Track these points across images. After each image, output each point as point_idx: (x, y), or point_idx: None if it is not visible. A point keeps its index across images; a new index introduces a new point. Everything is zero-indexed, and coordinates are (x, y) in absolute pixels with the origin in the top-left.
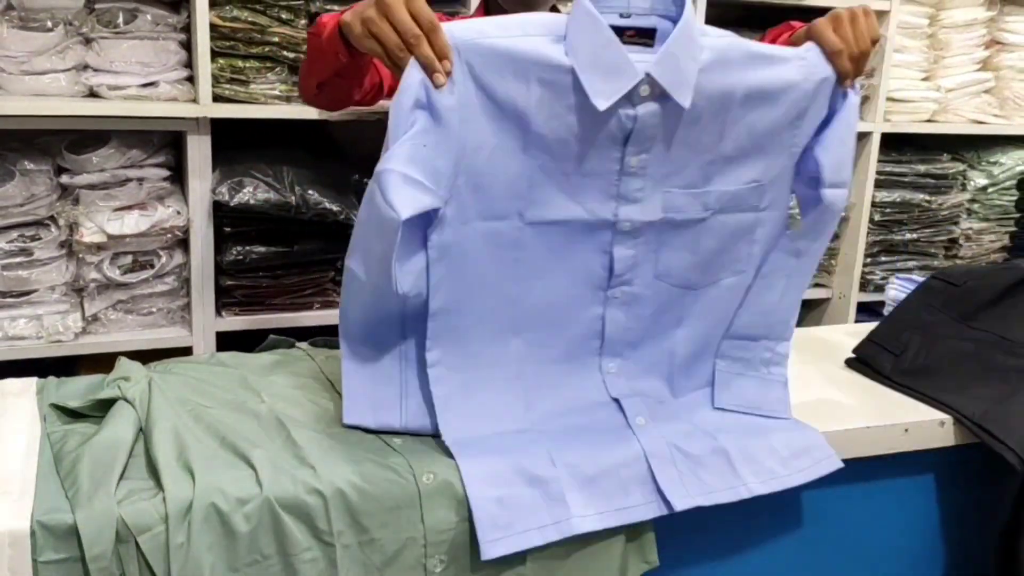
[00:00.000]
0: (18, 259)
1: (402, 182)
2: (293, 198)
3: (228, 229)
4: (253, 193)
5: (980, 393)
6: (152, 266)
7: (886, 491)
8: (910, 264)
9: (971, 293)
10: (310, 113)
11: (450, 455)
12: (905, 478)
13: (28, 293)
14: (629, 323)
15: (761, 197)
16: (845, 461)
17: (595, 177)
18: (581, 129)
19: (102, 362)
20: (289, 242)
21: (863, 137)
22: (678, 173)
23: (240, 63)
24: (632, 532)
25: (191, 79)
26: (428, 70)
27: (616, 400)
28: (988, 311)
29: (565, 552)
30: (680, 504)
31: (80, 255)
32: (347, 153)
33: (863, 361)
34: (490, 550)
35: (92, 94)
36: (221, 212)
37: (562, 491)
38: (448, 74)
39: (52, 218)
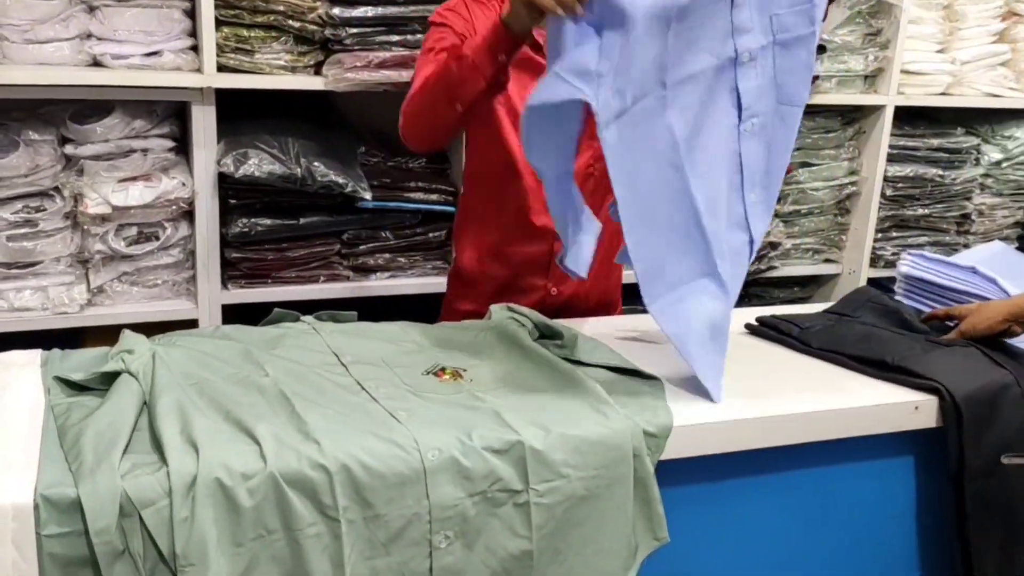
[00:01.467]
0: (23, 230)
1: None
2: (299, 170)
3: (233, 201)
4: (258, 165)
5: (891, 349)
6: (157, 238)
7: (894, 467)
8: (922, 240)
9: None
10: (315, 84)
11: (458, 429)
12: (913, 455)
13: (33, 264)
14: (761, 153)
15: None
16: (852, 439)
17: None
18: None
19: (107, 334)
20: (295, 215)
21: (876, 110)
22: None
23: (245, 32)
24: (642, 508)
25: (195, 48)
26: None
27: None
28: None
29: (575, 529)
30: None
31: (85, 226)
32: (352, 125)
33: (768, 325)
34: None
35: (95, 63)
36: (226, 184)
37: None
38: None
39: (57, 189)
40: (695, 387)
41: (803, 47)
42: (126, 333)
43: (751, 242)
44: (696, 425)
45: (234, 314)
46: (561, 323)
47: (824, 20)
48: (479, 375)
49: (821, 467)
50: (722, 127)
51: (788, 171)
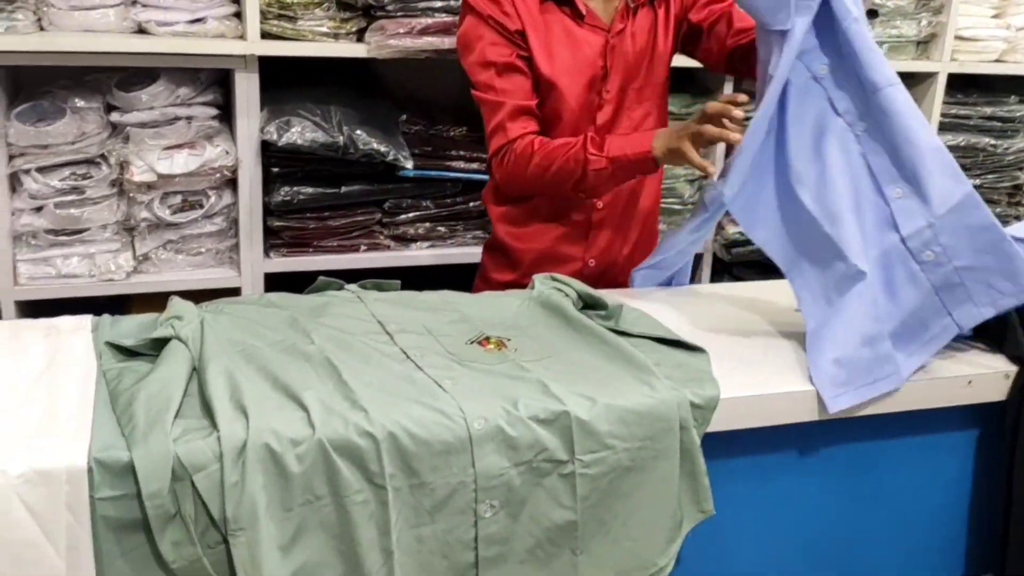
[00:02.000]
0: (70, 197)
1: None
2: (341, 138)
3: (276, 170)
4: (301, 133)
5: None
6: (201, 206)
7: (944, 444)
8: None
9: None
10: (357, 51)
11: (504, 399)
12: (964, 431)
13: (80, 232)
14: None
15: None
16: (906, 413)
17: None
18: None
19: (153, 301)
20: (336, 183)
21: (928, 77)
22: None
23: None
24: (688, 481)
25: (239, 15)
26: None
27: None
28: None
29: (619, 500)
30: (969, 322)
31: (131, 194)
32: (394, 93)
33: None
34: (834, 404)
35: (140, 30)
36: (269, 152)
37: (889, 349)
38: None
39: (103, 156)
40: (741, 359)
41: (858, 31)
42: (174, 300)
43: (903, 240)
44: (743, 398)
45: (276, 282)
46: (606, 293)
47: None
48: (523, 345)
49: (869, 442)
50: (836, 135)
51: None
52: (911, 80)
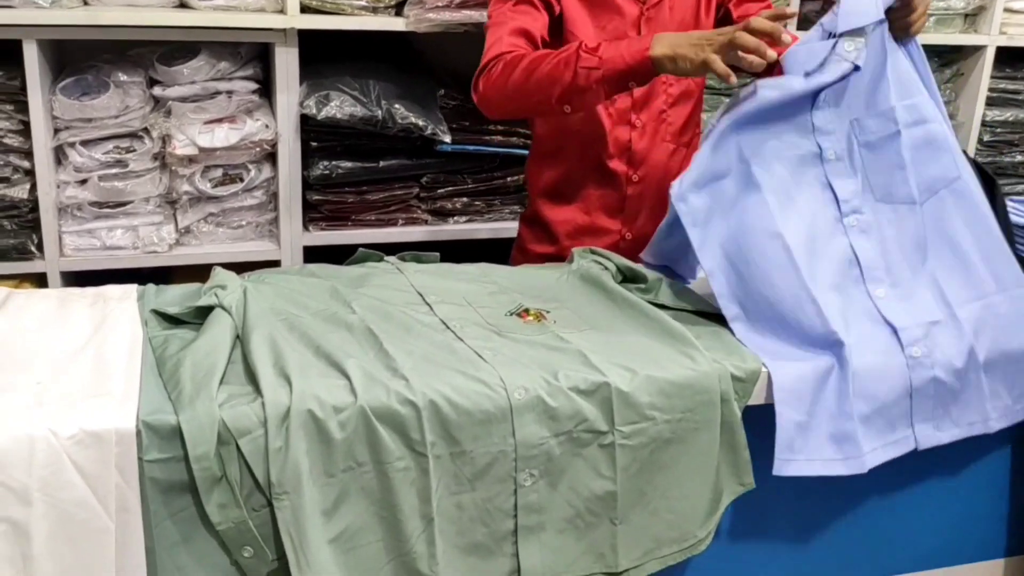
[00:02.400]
0: (114, 170)
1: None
2: (380, 112)
3: (314, 144)
4: (340, 107)
5: None
6: (241, 180)
7: None
8: (1019, 188)
9: None
10: (396, 24)
11: (544, 369)
12: None
13: (124, 204)
14: (876, 250)
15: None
16: None
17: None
18: None
19: (194, 273)
20: (375, 158)
21: (976, 51)
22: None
23: None
24: (728, 454)
25: None
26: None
27: (890, 325)
28: None
29: (659, 472)
30: (925, 443)
31: (173, 167)
32: (432, 66)
33: None
34: (783, 468)
35: (182, 4)
36: (308, 126)
37: (854, 429)
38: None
39: (146, 130)
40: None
41: (890, 146)
42: (217, 270)
43: (895, 332)
44: None
45: (314, 256)
46: (645, 268)
47: None
48: (562, 317)
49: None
50: (825, 217)
51: None
52: (958, 54)
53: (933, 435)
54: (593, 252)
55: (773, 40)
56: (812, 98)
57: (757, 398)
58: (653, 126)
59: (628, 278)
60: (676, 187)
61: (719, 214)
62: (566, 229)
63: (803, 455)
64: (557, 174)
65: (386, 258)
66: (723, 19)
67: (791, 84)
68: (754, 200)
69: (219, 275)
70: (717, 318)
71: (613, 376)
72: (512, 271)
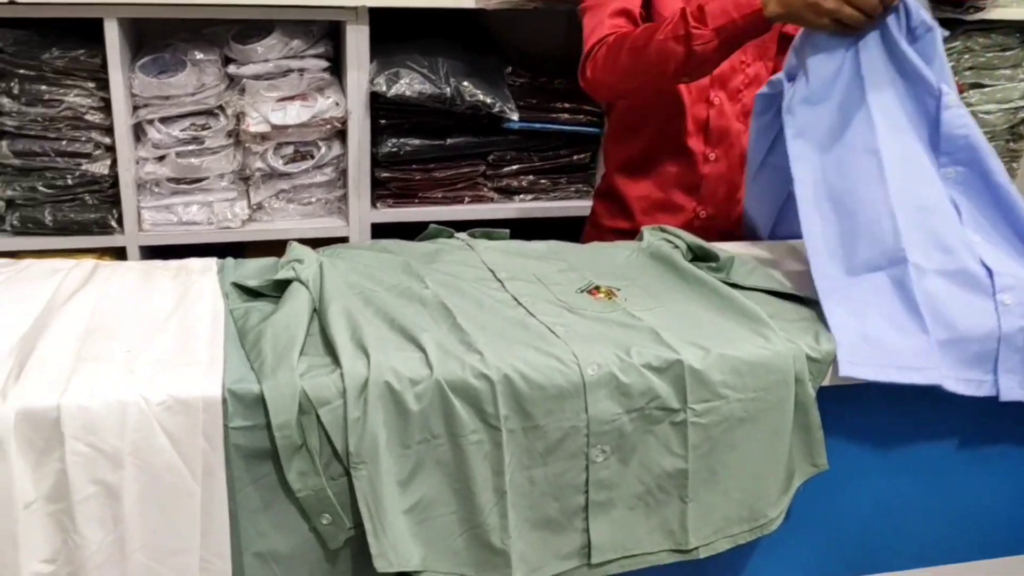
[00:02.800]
0: (190, 147)
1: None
2: (448, 90)
3: (383, 121)
4: (409, 84)
5: None
6: (312, 157)
7: None
8: None
9: None
10: (466, 2)
11: (616, 346)
12: None
13: (199, 180)
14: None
15: None
16: None
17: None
18: None
19: (266, 248)
20: (442, 135)
21: None
22: None
23: None
24: (801, 434)
25: None
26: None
27: (987, 267)
28: None
29: (731, 450)
30: (1009, 395)
31: (246, 144)
32: (501, 45)
33: None
34: (850, 369)
35: None
36: (377, 103)
37: (928, 345)
38: None
39: (220, 107)
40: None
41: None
42: (293, 244)
43: (990, 274)
44: None
45: (381, 232)
46: (717, 246)
47: None
48: (633, 294)
49: (991, 402)
50: (927, 158)
51: (960, 91)
52: None
53: (1017, 390)
54: (663, 230)
55: None
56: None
57: (832, 378)
58: (731, 105)
59: (699, 256)
60: (787, 99)
61: (823, 129)
62: (642, 205)
63: (873, 362)
64: (635, 149)
65: (456, 235)
66: None
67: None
68: (860, 118)
69: (295, 249)
70: (791, 298)
71: (686, 353)
72: (581, 249)
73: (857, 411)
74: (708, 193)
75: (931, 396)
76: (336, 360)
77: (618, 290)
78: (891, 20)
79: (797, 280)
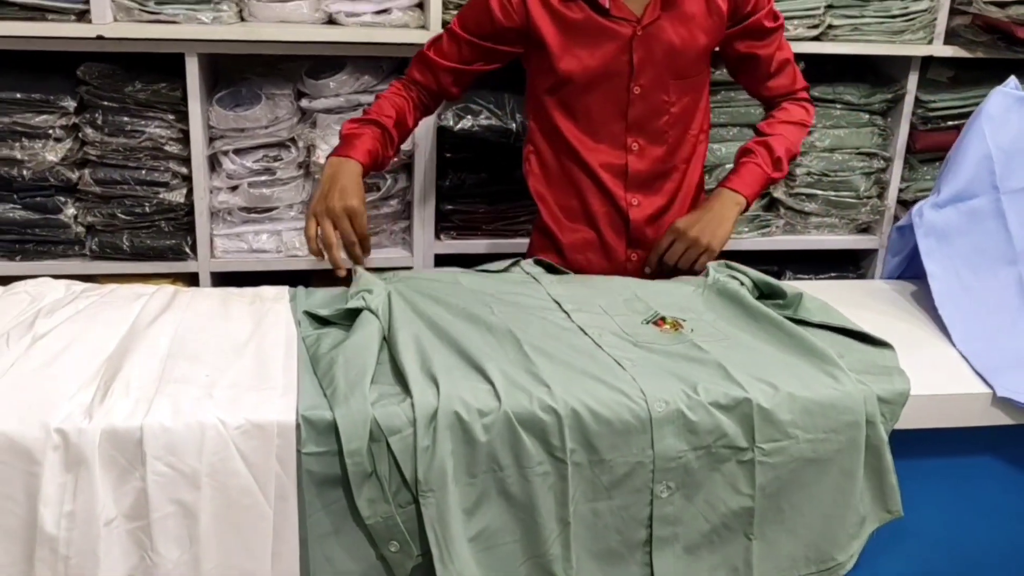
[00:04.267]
0: (263, 178)
1: None
2: (513, 125)
3: (449, 155)
4: (476, 120)
5: None
6: (379, 188)
7: None
8: None
9: None
10: None
11: (683, 382)
12: None
13: (270, 210)
14: None
15: None
16: None
17: None
18: None
19: (331, 277)
20: (506, 169)
21: None
22: None
23: None
24: (873, 478)
25: (421, 5)
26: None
27: None
28: None
29: (799, 491)
30: None
31: (316, 176)
32: None
33: None
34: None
35: (330, 21)
36: (443, 137)
37: None
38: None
39: (292, 140)
40: (929, 356)
41: None
42: (362, 273)
43: None
44: (935, 396)
45: (444, 263)
46: (786, 284)
47: None
48: (699, 327)
49: None
50: None
51: None
52: None
53: None
54: (729, 266)
55: None
56: None
57: (905, 422)
58: (651, 149)
59: (765, 294)
60: (916, 207)
61: (956, 230)
62: (570, 240)
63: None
64: (561, 189)
65: (521, 264)
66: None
67: None
68: (995, 226)
69: (364, 278)
70: (861, 337)
71: (754, 391)
72: (646, 282)
73: (933, 456)
74: (637, 237)
75: (1011, 440)
76: (406, 389)
77: (684, 321)
78: None
79: (867, 319)
